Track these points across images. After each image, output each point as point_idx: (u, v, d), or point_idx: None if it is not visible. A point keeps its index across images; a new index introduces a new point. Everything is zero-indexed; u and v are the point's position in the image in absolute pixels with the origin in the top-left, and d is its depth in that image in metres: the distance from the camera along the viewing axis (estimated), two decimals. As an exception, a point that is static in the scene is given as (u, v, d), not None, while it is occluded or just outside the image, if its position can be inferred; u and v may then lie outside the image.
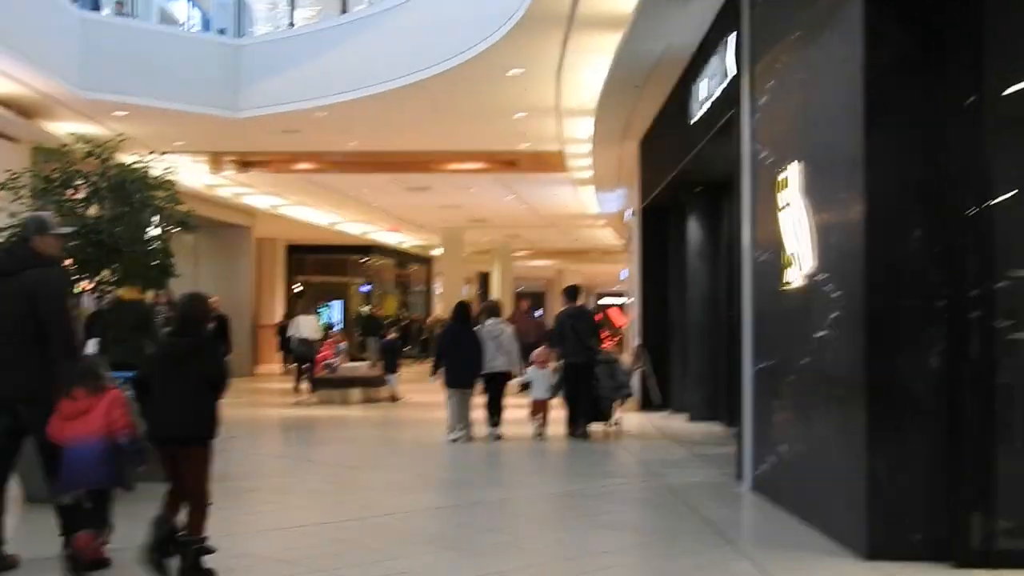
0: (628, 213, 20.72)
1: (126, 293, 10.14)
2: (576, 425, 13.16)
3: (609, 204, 24.55)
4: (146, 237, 8.13)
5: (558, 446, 12.81)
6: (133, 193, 8.27)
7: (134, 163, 8.61)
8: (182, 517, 5.89)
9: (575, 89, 14.55)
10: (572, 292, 14.05)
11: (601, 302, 53.13)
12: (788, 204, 7.70)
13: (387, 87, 14.81)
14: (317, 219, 30.13)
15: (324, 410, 17.20)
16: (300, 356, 18.60)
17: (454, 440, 12.75)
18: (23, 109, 16.00)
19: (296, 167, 21.87)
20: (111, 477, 5.99)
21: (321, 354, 19.35)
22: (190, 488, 5.89)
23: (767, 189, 8.29)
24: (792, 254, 7.62)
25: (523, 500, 9.03)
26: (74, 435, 5.90)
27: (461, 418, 12.93)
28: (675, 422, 15.19)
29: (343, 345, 19.54)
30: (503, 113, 16.38)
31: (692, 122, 11.81)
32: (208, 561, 5.87)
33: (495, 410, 13.22)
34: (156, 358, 6.28)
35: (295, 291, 36.11)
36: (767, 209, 8.26)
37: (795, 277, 7.59)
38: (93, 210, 8.18)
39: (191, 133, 18.06)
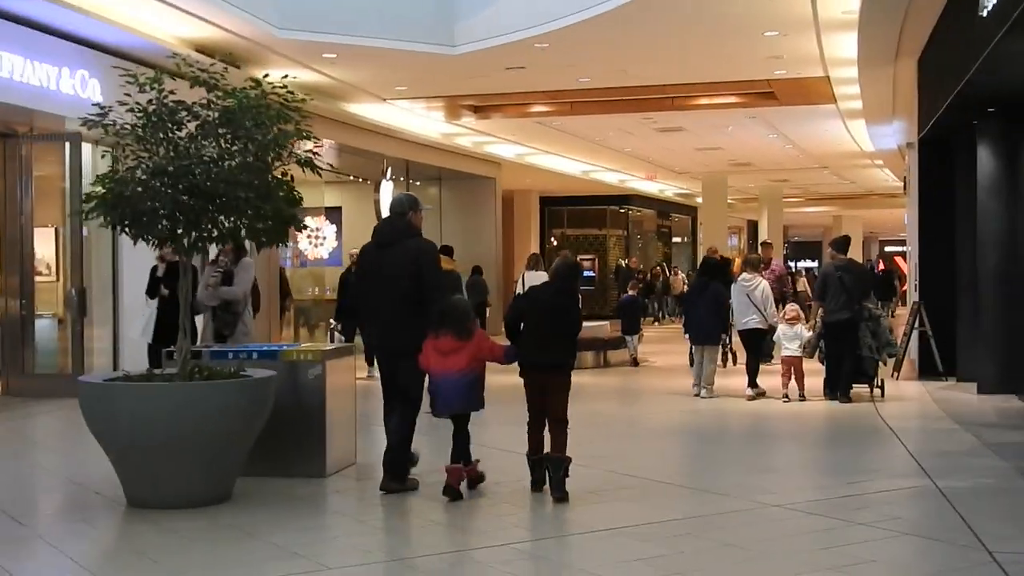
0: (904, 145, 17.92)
1: (445, 263, 11.14)
2: (836, 388, 12.20)
3: (885, 139, 21.59)
4: (258, 181, 6.55)
5: (811, 416, 11.22)
6: (249, 125, 6.71)
7: (251, 86, 7.01)
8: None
9: (834, -5, 12.09)
10: (842, 243, 12.96)
11: (888, 250, 49.24)
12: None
13: (608, 6, 12.78)
14: (568, 168, 28.68)
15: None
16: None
17: (696, 395, 12.67)
18: (227, 57, 15.06)
19: (531, 110, 20.33)
20: (474, 403, 6.98)
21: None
22: (554, 411, 7.00)
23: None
24: None
25: (745, 516, 6.92)
26: (446, 369, 6.81)
27: (699, 376, 12.75)
28: (960, 394, 12.62)
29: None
30: (752, 31, 14.02)
31: (982, 15, 9.18)
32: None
33: (749, 369, 12.69)
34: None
35: (553, 245, 34.98)
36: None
37: None
38: (212, 150, 6.70)
39: (410, 76, 16.73)
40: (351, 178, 24.00)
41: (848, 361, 12.12)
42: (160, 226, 6.65)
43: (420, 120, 20.89)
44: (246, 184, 6.57)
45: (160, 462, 6.59)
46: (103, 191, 6.69)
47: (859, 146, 24.10)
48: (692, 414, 11.50)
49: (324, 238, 26.47)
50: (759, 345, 12.85)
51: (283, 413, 7.41)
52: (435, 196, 26.02)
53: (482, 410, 7.04)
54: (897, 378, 14.18)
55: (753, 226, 42.58)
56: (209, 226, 6.76)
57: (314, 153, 7.03)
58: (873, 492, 7.21)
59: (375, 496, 7.06)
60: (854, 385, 12.21)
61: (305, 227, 7.47)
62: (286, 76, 7.75)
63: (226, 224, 6.77)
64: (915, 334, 14.81)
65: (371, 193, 22.81)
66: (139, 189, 6.61)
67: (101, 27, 12.48)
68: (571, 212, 35.65)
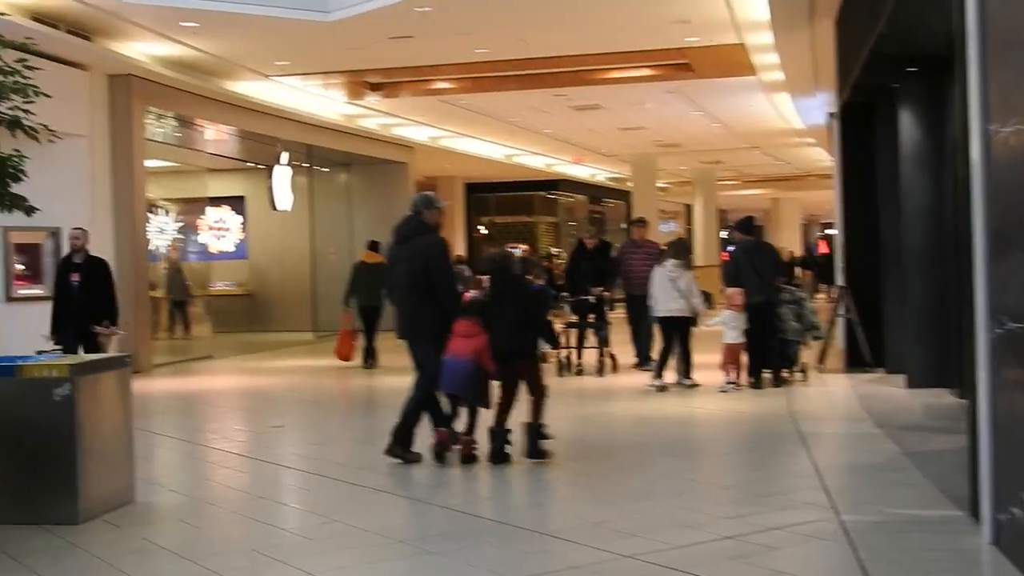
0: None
1: (368, 257, 15.31)
2: (759, 374, 11.82)
3: (812, 113, 20.29)
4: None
5: (712, 419, 10.18)
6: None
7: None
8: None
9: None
10: (747, 224, 12.54)
11: (828, 232, 48.15)
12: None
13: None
14: (489, 152, 27.27)
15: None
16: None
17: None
18: (77, 28, 13.47)
19: (433, 87, 18.83)
20: (471, 393, 7.53)
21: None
22: (532, 386, 7.66)
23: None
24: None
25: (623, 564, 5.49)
26: (453, 351, 7.43)
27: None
28: (887, 388, 11.33)
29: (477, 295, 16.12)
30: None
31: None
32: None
33: (681, 358, 11.97)
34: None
35: (480, 233, 33.55)
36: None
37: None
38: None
39: (287, 48, 15.17)
40: (251, 165, 22.45)
41: (769, 343, 11.78)
42: None
43: (319, 101, 19.32)
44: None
45: None
46: None
47: (788, 122, 22.89)
48: (578, 420, 10.05)
49: (228, 230, 24.89)
50: (683, 334, 11.90)
51: (26, 444, 5.90)
52: (343, 183, 24.45)
53: (479, 405, 7.56)
54: (821, 370, 12.90)
55: (689, 211, 41.35)
56: None
57: (23, 111, 5.44)
58: (758, 532, 5.64)
59: (127, 549, 5.54)
60: (781, 371, 11.88)
61: (32, 210, 5.78)
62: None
63: None
64: (840, 322, 13.53)
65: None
66: None
67: None
68: (498, 199, 34.21)
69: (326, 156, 22.78)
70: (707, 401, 11.02)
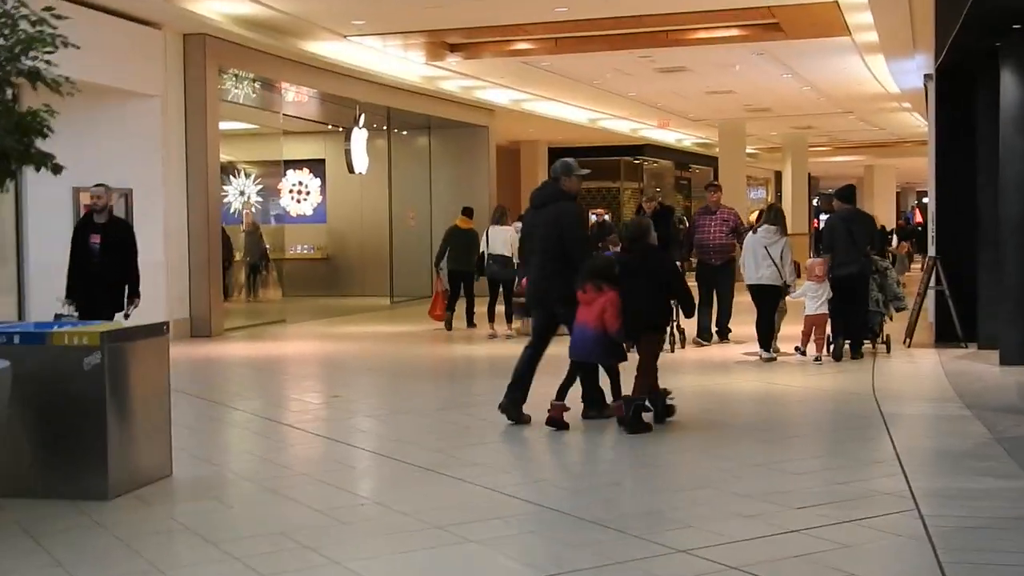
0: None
1: (461, 223, 15.83)
2: (839, 345, 11.43)
3: (908, 77, 19.33)
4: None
5: (791, 396, 9.58)
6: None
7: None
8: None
9: None
10: (847, 192, 12.10)
11: (924, 201, 46.67)
12: None
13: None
14: (573, 116, 26.71)
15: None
16: (493, 277, 15.02)
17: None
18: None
19: (513, 47, 18.33)
20: (600, 357, 7.70)
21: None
22: (646, 360, 7.69)
23: None
24: None
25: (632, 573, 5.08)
26: (580, 319, 7.56)
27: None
28: (979, 365, 10.75)
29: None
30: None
31: None
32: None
33: (762, 330, 11.61)
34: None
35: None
36: None
37: None
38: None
39: (364, 5, 14.80)
40: (330, 128, 22.25)
41: (858, 316, 11.46)
42: None
43: (398, 62, 18.97)
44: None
45: None
46: None
47: (883, 86, 21.89)
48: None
49: (308, 193, 24.77)
50: (770, 304, 11.55)
51: (55, 416, 5.67)
52: (423, 147, 24.15)
53: (616, 362, 7.72)
54: (909, 344, 12.29)
55: (779, 177, 40.33)
56: None
57: (46, 62, 5.14)
58: (827, 526, 5.13)
59: (151, 530, 5.29)
60: (863, 342, 11.58)
61: (59, 168, 5.45)
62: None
63: None
64: (931, 294, 12.86)
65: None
66: None
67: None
68: (582, 164, 33.51)
69: (406, 119, 22.48)
70: (785, 376, 10.53)
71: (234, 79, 16.78)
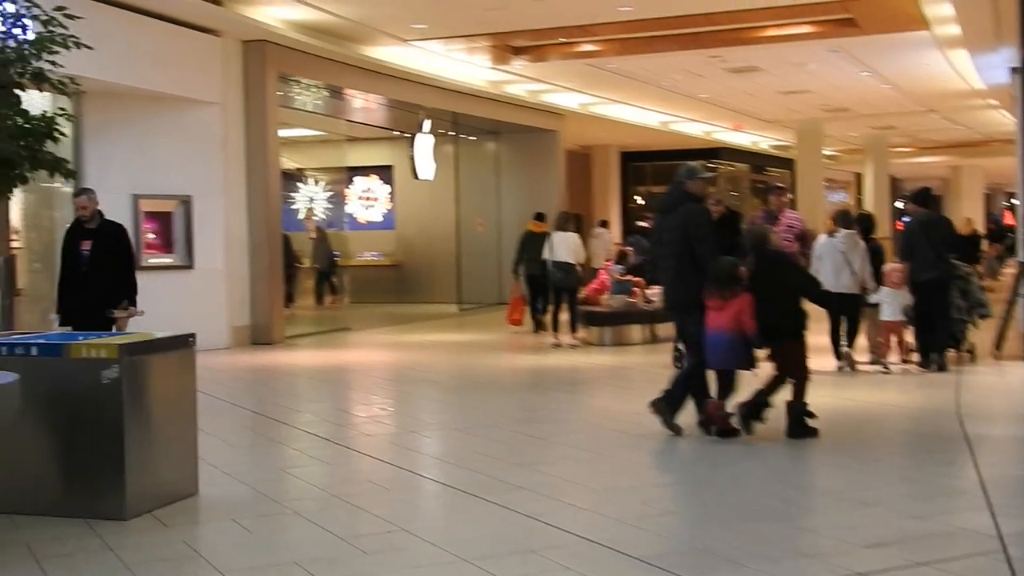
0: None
1: (535, 227, 15.57)
2: (929, 354, 11.13)
3: (994, 72, 18.53)
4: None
5: (866, 410, 9.10)
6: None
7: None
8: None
9: None
10: (923, 196, 11.92)
11: (1015, 203, 45.19)
12: None
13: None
14: (644, 119, 26.24)
15: (589, 357, 13.07)
16: (556, 284, 14.57)
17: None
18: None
19: (578, 50, 17.94)
20: (737, 362, 7.61)
21: (593, 283, 15.47)
22: (793, 368, 7.68)
23: None
24: None
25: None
26: (712, 326, 7.55)
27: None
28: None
29: (617, 268, 15.24)
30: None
31: None
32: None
33: (846, 337, 11.27)
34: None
35: (637, 203, 32.52)
36: None
37: None
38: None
39: (425, 8, 14.53)
40: (397, 134, 22.02)
41: (940, 323, 11.16)
42: None
43: (463, 67, 18.69)
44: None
45: None
46: None
47: (967, 82, 21.05)
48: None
49: (376, 199, 24.60)
50: (852, 314, 11.16)
51: (72, 431, 5.41)
52: (491, 152, 23.84)
53: (748, 368, 7.58)
54: (998, 357, 11.62)
55: (860, 180, 39.31)
56: None
57: (51, 63, 4.85)
58: (898, 568, 4.59)
59: (161, 555, 4.97)
60: (947, 351, 11.27)
61: (72, 173, 5.13)
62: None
63: None
64: (1021, 302, 12.17)
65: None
66: None
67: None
68: (655, 168, 33.00)
69: (472, 124, 22.21)
70: (862, 390, 9.94)
71: (298, 85, 16.63)
